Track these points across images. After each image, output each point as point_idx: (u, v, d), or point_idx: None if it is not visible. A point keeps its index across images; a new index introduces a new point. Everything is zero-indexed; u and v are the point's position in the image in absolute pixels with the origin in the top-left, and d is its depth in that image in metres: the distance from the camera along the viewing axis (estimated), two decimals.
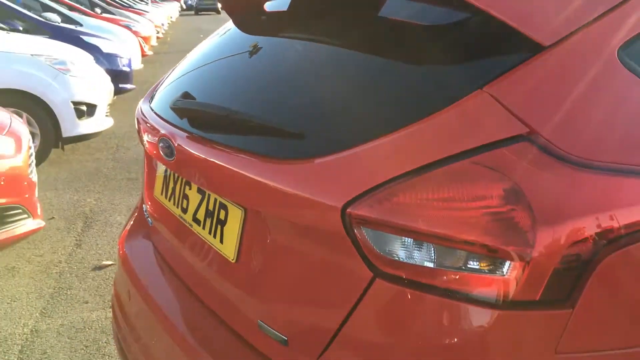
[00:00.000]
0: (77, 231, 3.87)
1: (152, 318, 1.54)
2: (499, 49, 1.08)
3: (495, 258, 0.94)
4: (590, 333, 0.96)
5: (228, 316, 1.35)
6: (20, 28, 7.06)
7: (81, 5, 13.04)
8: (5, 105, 3.85)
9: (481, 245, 0.94)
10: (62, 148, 5.45)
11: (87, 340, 2.61)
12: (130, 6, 19.21)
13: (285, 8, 1.51)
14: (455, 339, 0.97)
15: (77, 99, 5.24)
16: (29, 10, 8.29)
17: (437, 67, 1.13)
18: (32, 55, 5.10)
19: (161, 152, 1.47)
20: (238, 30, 1.67)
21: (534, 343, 0.95)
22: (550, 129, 1.00)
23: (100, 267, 3.31)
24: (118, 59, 7.80)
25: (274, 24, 1.60)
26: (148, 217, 1.81)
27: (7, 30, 6.25)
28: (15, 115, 3.49)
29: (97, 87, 5.57)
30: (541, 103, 1.02)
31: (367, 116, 1.10)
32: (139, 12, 17.90)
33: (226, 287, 1.34)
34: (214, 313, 1.40)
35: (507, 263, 0.94)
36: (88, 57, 5.90)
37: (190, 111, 1.43)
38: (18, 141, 3.12)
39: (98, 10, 13.95)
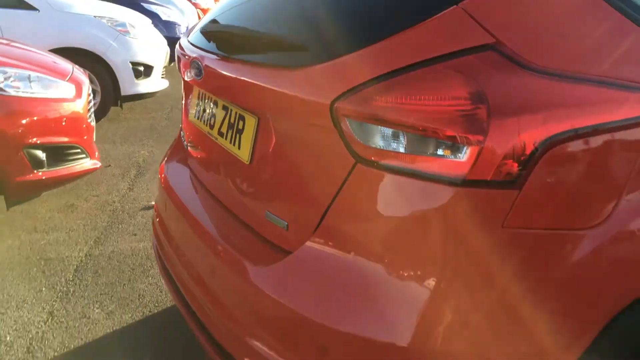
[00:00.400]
0: (131, 177, 4.19)
1: (184, 222, 1.78)
2: None
3: (455, 144, 1.11)
4: (532, 213, 1.12)
5: (243, 213, 1.57)
6: None
7: None
8: (73, 64, 4.19)
9: (445, 134, 1.12)
10: (121, 106, 5.82)
11: (133, 264, 2.90)
12: None
13: None
14: (422, 211, 1.15)
15: (135, 59, 5.57)
16: None
17: None
18: (95, 16, 5.45)
19: (193, 74, 1.69)
20: None
21: (484, 217, 1.12)
22: (514, 39, 1.15)
23: (149, 207, 3.61)
24: (176, 26, 8.13)
25: None
26: (184, 141, 2.04)
27: None
28: (77, 66, 3.82)
29: (155, 50, 5.89)
30: (507, 17, 1.17)
31: (353, 30, 1.27)
32: None
33: (242, 186, 1.56)
34: (231, 212, 1.62)
35: (465, 148, 1.11)
36: (147, 21, 6.23)
37: (215, 34, 1.65)
38: (79, 87, 3.43)
39: None
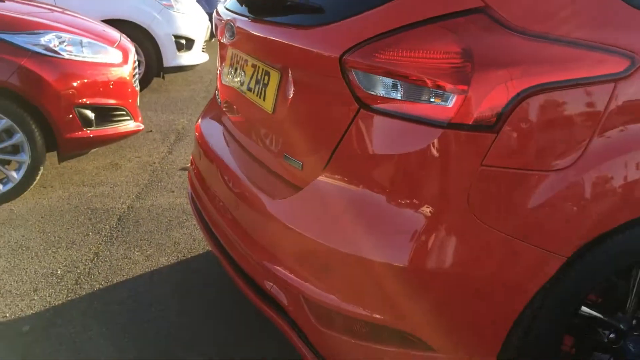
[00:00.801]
0: (170, 142, 4.47)
1: (216, 168, 2.02)
2: None
3: (443, 93, 1.30)
4: (507, 154, 1.30)
5: (265, 157, 1.79)
6: None
7: None
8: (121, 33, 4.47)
9: (436, 84, 1.31)
10: (163, 77, 6.11)
11: (170, 216, 3.17)
12: None
13: None
14: (414, 149, 1.35)
15: (178, 33, 5.84)
16: None
17: None
18: None
19: (227, 36, 1.91)
20: None
21: (466, 155, 1.31)
22: (500, 4, 1.33)
23: (185, 169, 3.88)
24: (217, 2, 8.37)
25: None
26: (218, 99, 2.27)
27: None
28: (124, 35, 4.09)
29: (196, 24, 6.15)
30: None
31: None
32: None
33: (265, 134, 1.78)
34: (256, 158, 1.84)
35: (451, 96, 1.30)
36: None
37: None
38: (125, 54, 3.70)
39: None
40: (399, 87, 1.36)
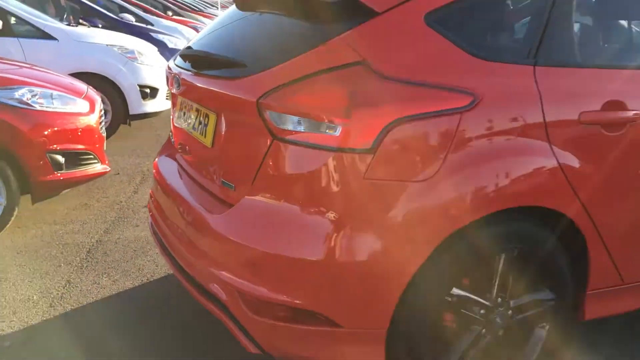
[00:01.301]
0: (136, 183, 4.84)
1: (169, 196, 2.41)
2: (353, 11, 1.86)
3: (333, 126, 1.74)
4: (383, 169, 1.73)
5: (208, 184, 2.19)
6: (100, 25, 8.24)
7: (156, 8, 14.41)
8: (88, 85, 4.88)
9: (327, 119, 1.74)
10: (129, 124, 6.50)
11: (135, 246, 3.53)
12: (201, 10, 20.66)
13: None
14: (314, 168, 1.77)
15: (143, 82, 6.27)
16: (108, 11, 9.53)
17: (317, 25, 1.93)
18: (107, 45, 6.17)
19: (175, 87, 2.34)
20: (230, 10, 2.53)
21: (352, 171, 1.74)
22: (376, 58, 1.78)
23: None
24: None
25: (246, 5, 2.43)
26: (172, 138, 2.68)
27: (88, 26, 7.40)
28: (91, 87, 4.50)
29: (160, 74, 6.59)
30: (373, 43, 1.81)
31: (271, 54, 1.91)
32: (208, 16, 19.22)
33: (206, 164, 2.19)
34: (202, 186, 2.24)
35: (339, 128, 1.73)
36: (153, 49, 6.95)
37: (188, 56, 2.30)
38: (92, 104, 4.10)
39: (170, 12, 15.27)
40: (301, 122, 1.78)
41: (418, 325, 1.87)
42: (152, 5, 14.80)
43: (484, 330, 1.99)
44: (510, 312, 2.02)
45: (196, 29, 13.43)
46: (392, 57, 1.80)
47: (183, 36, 10.56)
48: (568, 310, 2.14)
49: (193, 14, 17.44)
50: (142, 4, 13.26)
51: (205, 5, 24.11)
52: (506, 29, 1.94)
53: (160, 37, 8.89)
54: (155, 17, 11.65)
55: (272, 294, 1.85)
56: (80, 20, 8.03)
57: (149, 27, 9.63)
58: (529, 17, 1.97)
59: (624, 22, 2.39)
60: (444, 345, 1.96)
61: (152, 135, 6.68)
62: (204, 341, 2.56)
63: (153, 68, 6.50)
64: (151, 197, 2.75)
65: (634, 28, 2.38)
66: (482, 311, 1.97)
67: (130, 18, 9.32)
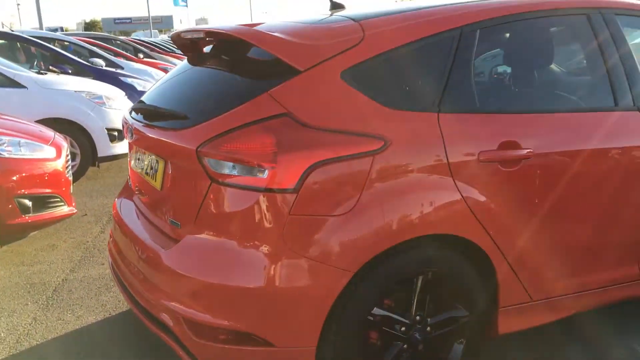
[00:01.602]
0: (103, 223, 5.04)
1: (126, 235, 2.65)
2: (279, 70, 2.16)
3: (261, 169, 2.01)
4: (306, 206, 2.01)
5: (159, 223, 2.43)
6: (70, 71, 8.50)
7: (127, 51, 14.74)
8: (55, 131, 5.11)
9: (256, 164, 2.01)
10: (98, 166, 6.71)
11: (100, 284, 3.73)
12: (172, 51, 21.07)
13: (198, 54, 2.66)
14: (246, 207, 2.03)
15: (110, 126, 6.51)
16: (79, 56, 9.81)
17: (250, 81, 2.23)
18: (75, 91, 6.42)
19: (129, 135, 2.60)
20: (183, 63, 2.82)
21: (279, 208, 2.00)
22: (299, 110, 2.07)
23: None
24: None
25: (194, 61, 2.73)
26: (130, 182, 2.93)
27: (58, 72, 7.66)
28: (58, 133, 4.73)
29: None
30: (296, 97, 2.10)
31: (207, 109, 2.20)
32: (179, 56, 19.58)
33: (158, 205, 2.44)
34: (155, 224, 2.49)
35: (266, 171, 2.01)
36: (121, 93, 7.22)
37: (140, 110, 2.57)
38: (59, 150, 4.33)
39: (141, 55, 15.60)
40: (235, 167, 2.06)
41: (344, 342, 2.12)
42: (123, 48, 15.14)
43: (405, 346, 2.25)
44: (428, 328, 2.28)
45: (166, 70, 13.77)
46: (312, 109, 2.09)
47: (153, 78, 10.85)
48: (482, 326, 2.41)
49: (164, 55, 17.81)
50: (112, 47, 13.59)
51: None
52: (414, 82, 2.25)
53: (129, 80, 9.17)
54: (125, 61, 11.95)
55: (214, 320, 2.09)
56: (50, 67, 8.29)
57: (118, 71, 9.92)
58: (433, 71, 2.29)
59: (519, 71, 2.74)
60: (369, 359, 2.21)
61: (120, 176, 6.89)
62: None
63: (120, 112, 6.75)
64: (110, 236, 2.98)
65: (528, 76, 2.72)
66: (402, 328, 2.23)
67: (100, 62, 9.61)
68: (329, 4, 2.81)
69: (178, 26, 76.47)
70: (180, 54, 20.61)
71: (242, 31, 2.33)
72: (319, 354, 2.10)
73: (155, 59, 15.89)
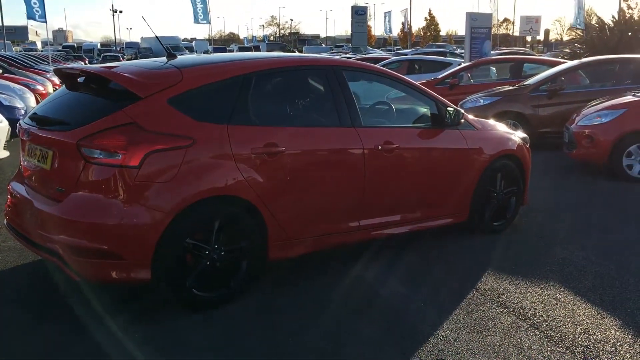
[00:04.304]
0: None
1: (21, 201, 3.91)
2: (129, 96, 3.62)
3: (117, 153, 3.44)
4: (145, 176, 3.46)
5: (45, 191, 3.75)
6: None
7: None
8: None
9: (114, 151, 3.44)
10: None
11: None
12: (32, 66, 21.11)
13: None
14: (108, 177, 3.45)
15: None
16: None
17: (110, 101, 3.67)
18: None
19: (25, 136, 3.90)
20: (62, 89, 4.15)
21: (129, 177, 3.43)
22: (142, 121, 3.54)
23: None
24: (15, 109, 9.95)
25: (71, 87, 4.09)
26: (21, 169, 4.19)
27: None
28: None
29: None
30: (139, 113, 3.57)
31: (86, 117, 3.60)
32: (39, 72, 19.74)
33: (46, 180, 3.76)
34: (41, 193, 3.79)
35: (120, 155, 3.44)
36: None
37: (34, 117, 3.89)
38: None
39: (0, 70, 15.84)
40: (101, 152, 3.46)
41: (169, 258, 3.57)
42: None
43: (208, 263, 3.75)
44: (223, 253, 3.80)
45: (28, 86, 14.27)
46: (150, 120, 3.56)
47: (15, 93, 11.53)
48: (260, 253, 3.98)
49: (24, 71, 18.01)
50: None
51: (36, 61, 24.41)
52: (214, 105, 3.81)
53: None
54: None
55: (89, 244, 3.46)
56: None
57: None
58: (227, 99, 3.86)
59: (279, 101, 4.41)
60: (186, 269, 3.68)
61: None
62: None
63: None
64: (7, 207, 4.19)
65: (286, 104, 4.41)
66: (206, 252, 3.73)
67: None
68: (167, 51, 4.29)
69: (34, 37, 72.99)
70: (41, 69, 20.82)
71: (104, 71, 3.77)
72: (153, 265, 3.53)
73: (15, 74, 16.18)
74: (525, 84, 10.48)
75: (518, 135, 5.62)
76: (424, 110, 5.05)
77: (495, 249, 4.99)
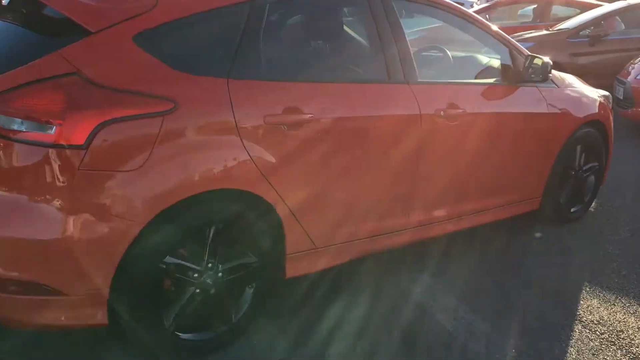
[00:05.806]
0: None
1: None
2: (70, 30, 2.22)
3: (49, 125, 2.07)
4: (95, 162, 2.10)
5: None
6: None
7: None
8: None
9: (43, 120, 2.07)
10: None
11: None
12: None
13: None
14: (36, 162, 2.08)
15: None
16: None
17: (41, 38, 2.27)
18: None
19: None
20: None
21: (69, 163, 2.08)
22: (89, 70, 2.15)
23: None
24: None
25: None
26: None
27: None
28: None
29: None
30: (86, 57, 2.18)
31: (0, 64, 2.20)
32: None
33: None
34: None
35: (53, 128, 2.07)
36: None
37: None
38: None
39: None
40: (23, 123, 2.10)
41: (136, 289, 2.28)
42: None
43: (197, 290, 2.47)
44: (220, 274, 2.52)
45: None
46: (103, 69, 2.19)
47: None
48: (272, 271, 2.70)
49: None
50: None
51: None
52: (207, 49, 2.43)
53: None
54: None
55: (5, 272, 2.15)
56: None
57: None
58: (225, 40, 2.48)
59: (304, 44, 3.03)
60: (163, 304, 2.40)
61: None
62: None
63: None
64: None
65: (313, 49, 3.02)
66: (195, 275, 2.44)
67: None
68: None
69: None
70: None
71: None
72: (110, 300, 2.24)
73: None
74: (561, 27, 9.06)
75: (600, 93, 4.29)
76: (491, 59, 3.70)
77: (585, 251, 3.77)
